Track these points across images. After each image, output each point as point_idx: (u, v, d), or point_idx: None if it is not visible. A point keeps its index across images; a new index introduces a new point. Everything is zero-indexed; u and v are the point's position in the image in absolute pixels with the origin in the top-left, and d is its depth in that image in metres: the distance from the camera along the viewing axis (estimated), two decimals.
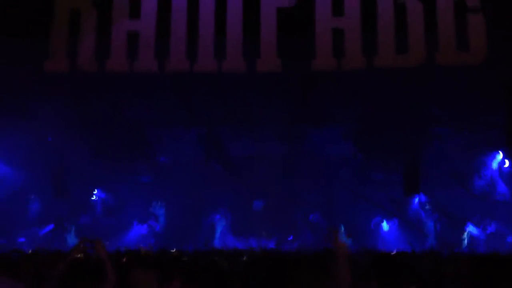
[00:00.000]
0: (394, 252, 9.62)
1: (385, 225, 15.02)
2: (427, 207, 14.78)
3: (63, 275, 3.94)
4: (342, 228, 14.76)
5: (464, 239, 14.02)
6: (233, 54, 7.42)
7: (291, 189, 14.47)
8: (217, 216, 15.03)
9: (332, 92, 10.43)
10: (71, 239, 14.45)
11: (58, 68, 7.65)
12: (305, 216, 14.76)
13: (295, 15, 7.50)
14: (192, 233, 14.25)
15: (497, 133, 11.16)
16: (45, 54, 7.78)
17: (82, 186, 14.36)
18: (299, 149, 13.44)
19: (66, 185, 13.48)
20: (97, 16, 7.53)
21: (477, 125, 12.05)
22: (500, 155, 13.44)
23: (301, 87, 10.33)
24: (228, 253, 9.27)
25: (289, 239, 14.04)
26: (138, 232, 15.27)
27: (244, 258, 7.48)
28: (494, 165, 13.64)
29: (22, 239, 14.09)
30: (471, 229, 14.06)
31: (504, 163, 13.48)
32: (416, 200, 14.85)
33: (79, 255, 4.17)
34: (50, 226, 14.89)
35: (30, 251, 9.58)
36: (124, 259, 7.45)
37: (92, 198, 15.03)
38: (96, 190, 15.02)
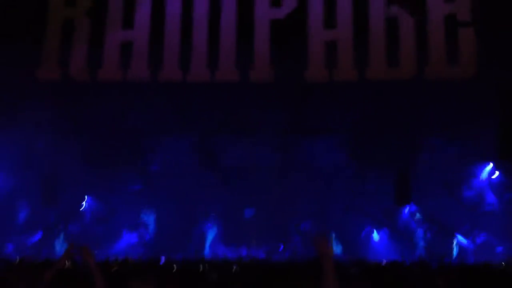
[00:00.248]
0: (385, 262, 9.64)
1: (375, 235, 15.06)
2: (417, 217, 14.85)
3: (51, 283, 3.91)
4: (333, 236, 14.81)
5: (454, 250, 14.08)
6: (226, 64, 7.46)
7: (283, 198, 14.46)
8: (208, 225, 14.98)
9: (325, 102, 10.48)
10: (60, 247, 14.32)
11: (50, 76, 7.64)
12: (296, 225, 14.76)
13: (288, 27, 7.56)
14: (182, 242, 14.17)
15: (487, 144, 11.26)
16: (38, 62, 7.75)
17: (72, 194, 14.24)
18: (292, 159, 13.46)
19: (56, 193, 13.36)
20: (90, 26, 7.53)
21: (468, 136, 12.16)
22: (489, 166, 13.55)
23: (295, 98, 10.38)
24: (218, 263, 9.24)
25: (280, 249, 14.01)
26: (127, 241, 15.16)
27: (235, 268, 7.46)
28: (484, 175, 13.75)
29: (10, 247, 13.93)
30: (460, 239, 14.13)
31: (494, 174, 13.59)
32: (407, 210, 14.92)
33: (67, 262, 4.13)
34: (39, 234, 14.74)
35: (18, 260, 9.49)
36: (114, 269, 7.41)
37: (82, 206, 14.92)
38: (86, 198, 14.91)
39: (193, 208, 15.16)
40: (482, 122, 11.02)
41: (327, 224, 14.71)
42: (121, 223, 15.13)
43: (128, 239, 15.19)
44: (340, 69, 7.55)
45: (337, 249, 14.31)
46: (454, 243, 14.18)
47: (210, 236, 14.98)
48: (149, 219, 15.37)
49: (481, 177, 13.74)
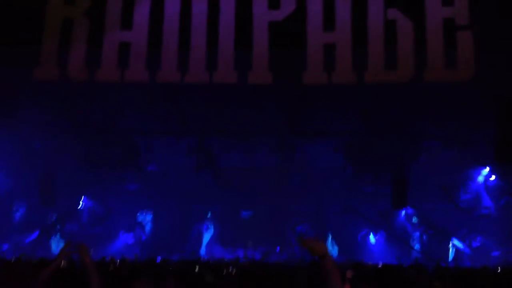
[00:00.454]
0: (381, 265, 9.66)
1: (372, 238, 15.09)
2: (414, 220, 14.88)
3: (48, 282, 3.92)
4: (330, 236, 14.83)
5: (450, 253, 14.12)
6: (225, 66, 7.45)
7: (281, 200, 14.49)
8: (205, 226, 14.99)
9: (323, 105, 10.51)
10: (57, 247, 14.31)
11: (48, 76, 7.61)
12: (293, 227, 14.78)
13: (286, 29, 7.57)
14: (179, 242, 14.18)
15: (485, 148, 11.31)
16: (36, 62, 7.74)
17: (70, 194, 14.25)
18: (290, 161, 13.49)
19: (53, 193, 13.36)
20: (89, 26, 7.52)
21: (465, 140, 12.20)
22: (486, 170, 13.59)
23: (293, 100, 10.40)
24: (215, 264, 9.24)
25: (277, 250, 14.02)
26: (124, 241, 15.16)
27: (231, 270, 7.47)
28: (480, 179, 13.80)
29: (5, 246, 13.91)
30: (456, 243, 14.17)
31: (490, 177, 13.63)
32: (403, 213, 14.95)
33: (63, 260, 4.15)
34: (35, 234, 14.72)
35: (14, 259, 9.48)
36: (111, 268, 7.40)
37: (79, 206, 14.91)
38: (83, 198, 14.91)
39: (190, 209, 15.17)
40: (479, 126, 11.06)
41: (324, 227, 14.73)
42: (118, 223, 15.14)
43: (125, 239, 15.20)
44: (338, 72, 7.55)
45: (333, 250, 14.33)
46: (450, 246, 14.22)
47: (207, 237, 14.99)
48: (146, 219, 15.38)
49: (477, 181, 13.79)
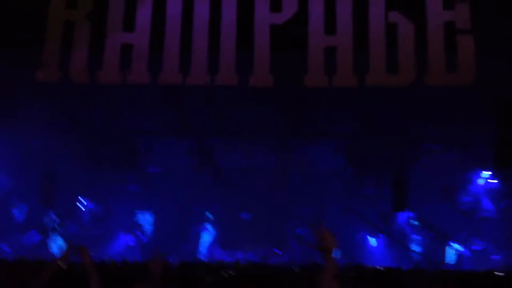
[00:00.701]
0: (381, 268, 9.66)
1: (372, 240, 15.08)
2: (414, 222, 14.88)
3: (48, 283, 3.94)
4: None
5: (450, 256, 14.11)
6: (226, 68, 7.49)
7: (281, 202, 14.50)
8: (205, 227, 14.98)
9: (324, 107, 10.54)
10: (56, 248, 14.31)
11: (50, 78, 7.66)
12: (294, 229, 14.78)
13: (288, 32, 7.60)
14: (179, 244, 14.17)
15: (486, 151, 11.32)
16: (37, 63, 7.78)
17: (70, 194, 14.25)
18: (290, 163, 13.50)
19: (54, 193, 13.38)
20: (90, 28, 7.56)
21: (466, 142, 12.22)
22: (487, 173, 13.60)
23: (294, 102, 10.43)
24: (215, 266, 9.25)
25: (276, 252, 14.01)
26: (124, 243, 15.15)
27: (231, 272, 7.47)
28: (481, 182, 13.80)
29: (5, 247, 13.90)
30: (456, 246, 14.16)
31: (491, 181, 13.63)
32: (404, 215, 14.94)
33: (63, 262, 4.17)
34: (35, 234, 14.73)
35: (14, 260, 9.47)
36: (111, 270, 7.41)
37: (79, 207, 14.91)
38: (83, 199, 14.91)
39: (190, 211, 15.17)
40: (480, 128, 11.08)
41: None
42: (118, 224, 15.13)
43: (124, 241, 15.18)
44: (339, 75, 7.59)
45: (336, 251, 14.34)
46: (451, 249, 14.21)
47: (207, 239, 14.98)
48: (146, 220, 15.37)
49: (478, 184, 13.79)
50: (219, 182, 14.12)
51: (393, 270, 8.21)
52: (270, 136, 12.61)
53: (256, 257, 13.29)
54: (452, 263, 13.84)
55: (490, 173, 13.48)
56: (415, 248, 14.62)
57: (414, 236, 14.75)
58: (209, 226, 14.94)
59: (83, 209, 14.96)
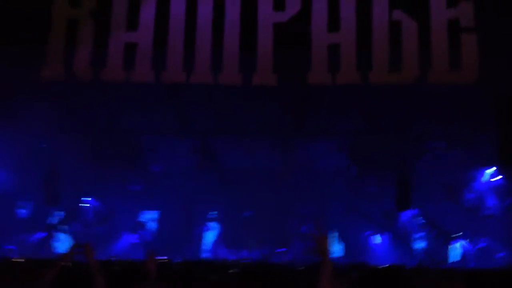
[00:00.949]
0: (385, 266, 9.64)
1: (376, 239, 15.07)
2: (418, 221, 14.86)
3: (53, 281, 3.95)
4: (337, 234, 14.82)
5: (454, 254, 14.09)
6: (230, 67, 7.48)
7: (284, 200, 14.50)
8: (208, 226, 15.00)
9: (327, 104, 10.53)
10: (61, 246, 14.35)
11: (54, 76, 7.67)
12: (297, 228, 14.78)
13: (291, 29, 7.60)
14: (183, 243, 14.20)
15: (489, 149, 11.29)
16: (41, 61, 7.80)
17: (74, 193, 14.29)
18: (293, 161, 13.50)
19: (58, 192, 13.42)
20: (94, 27, 7.58)
21: (470, 140, 12.19)
22: (491, 170, 13.57)
23: (297, 100, 10.42)
24: (218, 264, 9.26)
25: (281, 250, 14.02)
26: (127, 241, 15.18)
27: (235, 270, 7.48)
28: (485, 179, 13.77)
29: (11, 247, 13.95)
30: (461, 243, 14.14)
31: (495, 178, 13.60)
32: (408, 213, 14.93)
33: (68, 260, 4.19)
34: (39, 233, 14.77)
35: (18, 258, 9.50)
36: (115, 268, 7.43)
37: (83, 206, 14.95)
38: (87, 197, 14.95)
39: (194, 209, 15.19)
40: (483, 126, 11.05)
41: (327, 227, 14.73)
42: (122, 223, 15.17)
43: (128, 240, 15.22)
44: (343, 72, 7.57)
45: (338, 248, 14.32)
46: (455, 247, 14.19)
47: (210, 237, 15.00)
48: (150, 219, 15.40)
49: (482, 181, 13.76)
50: (222, 180, 14.14)
51: (397, 268, 8.19)
52: (273, 135, 12.60)
53: (260, 256, 13.31)
54: (456, 260, 13.83)
55: (494, 170, 13.45)
56: (419, 246, 14.60)
57: (418, 234, 14.73)
58: (212, 225, 14.96)
59: (87, 208, 15.00)
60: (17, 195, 14.01)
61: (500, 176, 13.35)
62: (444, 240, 14.34)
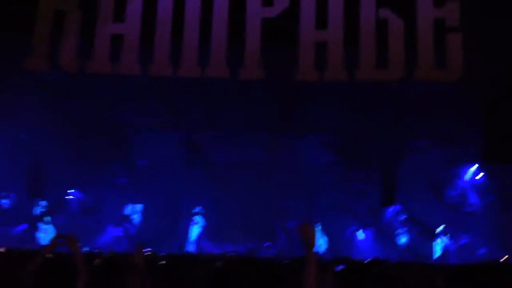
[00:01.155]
0: (368, 260, 9.75)
1: (360, 234, 15.19)
2: (402, 217, 15.01)
3: (36, 273, 3.93)
4: (320, 227, 14.91)
5: (437, 250, 14.27)
6: (217, 61, 7.49)
7: (270, 196, 14.53)
8: (194, 220, 14.99)
9: (313, 102, 10.57)
10: (44, 239, 14.24)
11: (39, 67, 7.61)
12: (283, 223, 14.83)
13: (279, 26, 7.62)
14: (167, 237, 14.17)
15: (473, 146, 11.44)
16: (26, 52, 7.71)
17: (58, 185, 14.17)
18: (280, 157, 13.53)
19: (41, 184, 13.29)
20: (81, 18, 7.51)
21: (454, 138, 12.33)
22: (474, 168, 13.74)
23: (284, 96, 10.44)
24: (203, 259, 9.28)
25: (265, 245, 14.07)
26: (113, 234, 15.10)
27: (219, 264, 7.50)
28: (468, 177, 13.94)
29: None
30: (443, 240, 14.32)
31: (478, 175, 13.78)
32: (392, 210, 15.07)
33: (51, 252, 4.15)
34: (23, 225, 14.63)
35: (1, 250, 9.42)
36: (98, 261, 7.40)
37: (68, 198, 14.84)
38: (72, 190, 14.83)
39: (179, 203, 15.16)
40: (468, 125, 11.19)
41: (313, 222, 14.81)
42: (107, 216, 15.08)
43: (113, 233, 15.13)
44: (330, 70, 7.64)
45: (322, 241, 14.42)
46: (437, 243, 14.37)
47: (196, 231, 14.99)
48: (135, 213, 15.34)
49: (465, 178, 13.93)
50: (208, 175, 14.13)
51: (380, 263, 8.29)
52: (260, 130, 12.62)
53: (245, 250, 13.35)
54: (438, 256, 14.01)
55: (476, 168, 13.63)
56: (403, 241, 14.76)
57: (402, 230, 14.88)
58: (198, 219, 14.95)
59: (72, 200, 14.89)
60: (1, 187, 13.84)
61: (482, 174, 13.54)
62: (427, 236, 14.51)
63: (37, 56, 7.54)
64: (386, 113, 11.24)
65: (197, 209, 15.00)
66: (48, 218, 14.42)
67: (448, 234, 14.10)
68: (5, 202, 14.26)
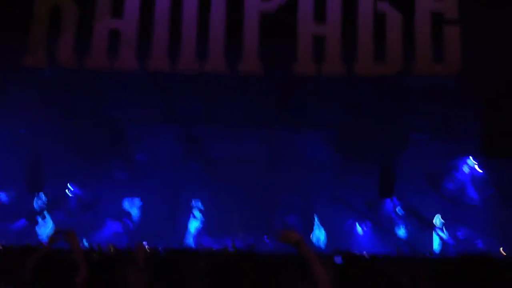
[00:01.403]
0: (367, 254, 9.79)
1: (358, 228, 15.24)
2: (399, 210, 15.06)
3: (35, 269, 3.93)
4: (317, 220, 14.97)
5: (435, 243, 14.33)
6: (215, 56, 7.47)
7: (269, 190, 14.56)
8: (193, 215, 15.01)
9: (313, 96, 10.57)
10: (43, 234, 14.26)
11: (37, 63, 7.58)
12: (281, 217, 14.87)
13: (277, 20, 7.60)
14: (166, 232, 14.20)
15: (472, 140, 11.46)
16: (24, 48, 7.69)
17: (57, 181, 14.17)
18: (279, 151, 13.54)
19: (40, 179, 13.30)
20: (78, 14, 7.48)
21: (453, 131, 12.36)
22: (472, 161, 13.77)
23: (282, 90, 10.44)
24: (203, 253, 9.31)
25: (265, 239, 14.11)
26: (112, 229, 15.13)
27: (218, 259, 7.53)
28: (466, 170, 13.97)
29: None
30: (441, 233, 14.38)
31: (476, 168, 13.82)
32: (390, 203, 15.11)
33: (50, 248, 4.16)
34: (22, 221, 14.64)
35: (0, 247, 9.43)
36: (97, 256, 7.42)
37: (67, 194, 14.84)
38: (71, 185, 14.83)
39: (178, 198, 15.19)
40: (467, 118, 11.21)
41: (312, 216, 14.86)
42: (106, 211, 15.10)
43: (112, 228, 15.16)
44: (328, 64, 7.62)
45: (320, 234, 14.47)
46: (435, 236, 14.43)
47: (195, 226, 15.02)
48: (134, 208, 15.35)
49: (463, 171, 13.97)
50: (207, 170, 14.14)
51: (380, 257, 8.32)
52: (259, 125, 12.62)
53: (244, 245, 13.39)
54: (437, 249, 14.07)
55: (476, 161, 13.66)
56: (401, 235, 14.82)
57: (400, 223, 14.94)
58: (197, 214, 14.97)
59: (71, 196, 14.90)
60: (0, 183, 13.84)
61: (481, 167, 13.57)
62: (426, 229, 14.57)
63: (34, 53, 7.51)
64: (385, 107, 11.25)
65: (196, 204, 15.03)
66: (47, 214, 14.44)
67: (444, 228, 14.16)
68: (4, 197, 14.27)
